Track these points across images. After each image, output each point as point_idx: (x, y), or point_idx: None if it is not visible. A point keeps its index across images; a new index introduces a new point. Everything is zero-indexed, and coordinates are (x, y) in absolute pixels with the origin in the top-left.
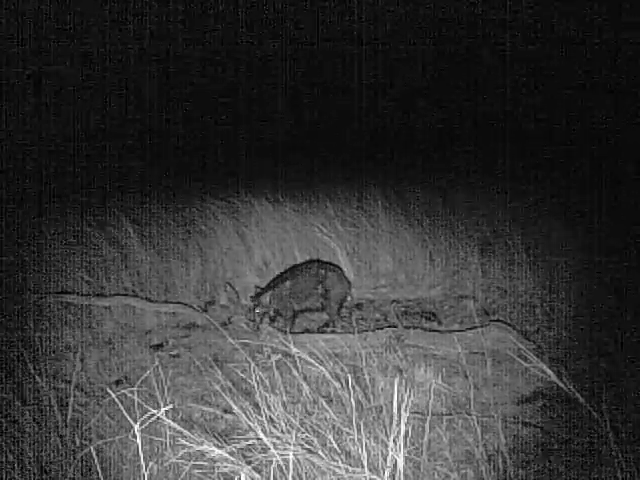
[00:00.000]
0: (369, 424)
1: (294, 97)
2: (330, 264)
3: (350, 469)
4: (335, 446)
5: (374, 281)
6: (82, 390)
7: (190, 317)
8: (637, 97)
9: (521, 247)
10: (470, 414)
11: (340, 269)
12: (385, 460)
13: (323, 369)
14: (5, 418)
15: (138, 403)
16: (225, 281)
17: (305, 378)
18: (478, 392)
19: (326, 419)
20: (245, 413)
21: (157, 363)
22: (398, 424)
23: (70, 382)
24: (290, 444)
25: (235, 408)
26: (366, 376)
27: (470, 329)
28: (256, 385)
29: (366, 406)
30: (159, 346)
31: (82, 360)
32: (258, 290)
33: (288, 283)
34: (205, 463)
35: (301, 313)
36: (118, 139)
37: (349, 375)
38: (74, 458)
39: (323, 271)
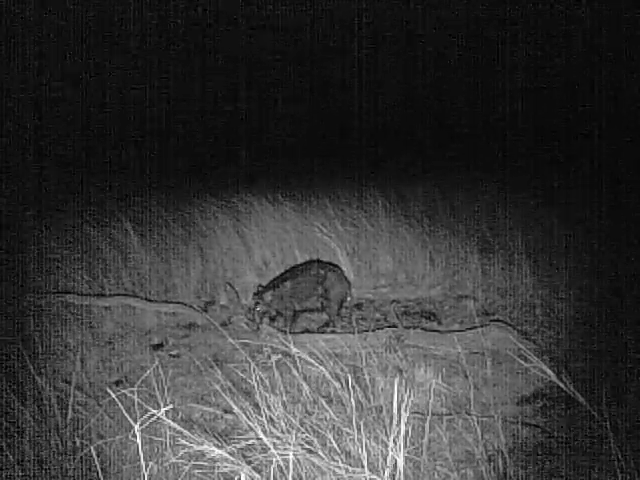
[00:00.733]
0: (369, 424)
1: (294, 97)
2: (330, 264)
3: (350, 469)
4: (335, 446)
5: (374, 281)
6: (82, 390)
7: (190, 317)
8: (637, 97)
9: (521, 247)
10: (470, 414)
11: (340, 269)
12: (385, 460)
13: (323, 369)
14: (5, 418)
15: (138, 403)
16: (225, 281)
17: (305, 378)
18: (478, 392)
19: (326, 419)
20: (245, 413)
21: (157, 363)
22: (398, 424)
23: (70, 382)
24: (290, 444)
25: (235, 408)
26: (366, 376)
27: (470, 329)
28: (256, 385)
29: (366, 406)
30: (159, 346)
31: (82, 360)
32: (260, 288)
33: (288, 283)
34: (205, 463)
35: (301, 313)
36: (118, 139)
37: (349, 375)
38: (74, 458)
39: (323, 271)
